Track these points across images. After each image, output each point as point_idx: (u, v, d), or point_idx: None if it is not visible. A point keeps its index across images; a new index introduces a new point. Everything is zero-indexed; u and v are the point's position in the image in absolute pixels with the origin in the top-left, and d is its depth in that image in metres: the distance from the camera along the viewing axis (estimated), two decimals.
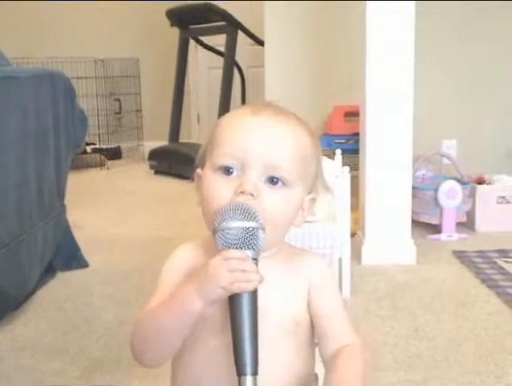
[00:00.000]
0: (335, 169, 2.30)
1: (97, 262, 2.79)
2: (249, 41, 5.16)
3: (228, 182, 0.84)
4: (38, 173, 2.40)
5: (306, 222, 1.82)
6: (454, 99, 3.59)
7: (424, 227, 3.20)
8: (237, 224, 0.81)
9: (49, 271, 2.61)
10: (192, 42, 5.48)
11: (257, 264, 0.81)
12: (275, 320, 0.86)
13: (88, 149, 5.59)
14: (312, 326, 0.90)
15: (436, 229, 3.18)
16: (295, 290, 0.89)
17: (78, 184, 4.05)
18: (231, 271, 0.79)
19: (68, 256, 2.74)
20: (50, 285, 2.54)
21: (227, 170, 0.85)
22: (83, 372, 1.81)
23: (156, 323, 0.84)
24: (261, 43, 4.32)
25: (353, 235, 2.60)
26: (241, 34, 4.99)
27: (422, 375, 1.78)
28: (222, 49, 5.09)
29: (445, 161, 3.47)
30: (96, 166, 5.52)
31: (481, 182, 3.33)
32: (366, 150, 2.80)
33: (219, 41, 5.19)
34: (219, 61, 5.15)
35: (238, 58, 5.15)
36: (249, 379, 0.78)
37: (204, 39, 5.45)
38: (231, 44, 4.94)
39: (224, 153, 0.85)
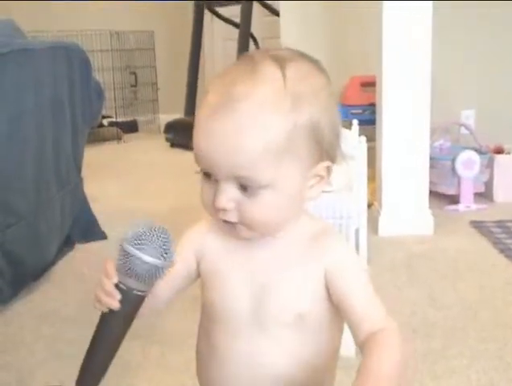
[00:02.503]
0: (352, 139, 2.29)
1: (115, 234, 2.80)
2: (265, 12, 5.12)
3: (209, 186, 0.80)
4: (55, 145, 2.41)
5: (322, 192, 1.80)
6: (473, 68, 3.54)
7: (442, 198, 3.18)
8: (123, 245, 0.77)
9: (68, 243, 2.64)
10: (207, 13, 5.44)
11: (136, 295, 0.78)
12: (274, 312, 0.82)
13: (105, 122, 5.59)
14: (331, 314, 0.83)
15: (454, 200, 3.16)
16: (304, 279, 0.82)
17: (95, 158, 4.06)
18: (99, 285, 0.78)
19: (86, 228, 2.76)
20: (69, 257, 2.57)
21: (206, 174, 0.80)
22: None
23: None
24: (276, 13, 4.28)
25: (369, 206, 2.59)
26: (256, 5, 4.94)
27: (439, 343, 1.79)
28: (238, 20, 5.05)
29: (463, 131, 3.43)
30: (112, 140, 5.53)
31: (499, 151, 3.29)
32: (383, 121, 2.78)
33: (234, 12, 5.15)
34: (234, 32, 5.12)
35: (254, 29, 5.10)
36: None
37: (220, 9, 5.41)
38: (246, 15, 4.89)
39: (197, 158, 0.80)
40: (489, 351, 1.73)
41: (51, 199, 2.38)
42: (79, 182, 2.77)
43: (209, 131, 0.76)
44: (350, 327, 0.81)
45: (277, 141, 0.76)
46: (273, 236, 0.83)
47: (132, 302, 0.79)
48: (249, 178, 0.76)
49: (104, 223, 2.82)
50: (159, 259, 0.76)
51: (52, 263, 2.43)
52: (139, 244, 0.76)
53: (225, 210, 0.78)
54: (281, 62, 0.79)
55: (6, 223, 2.04)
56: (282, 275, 0.82)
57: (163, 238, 0.77)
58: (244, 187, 0.77)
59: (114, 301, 0.77)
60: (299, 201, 0.82)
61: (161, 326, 1.91)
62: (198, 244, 0.88)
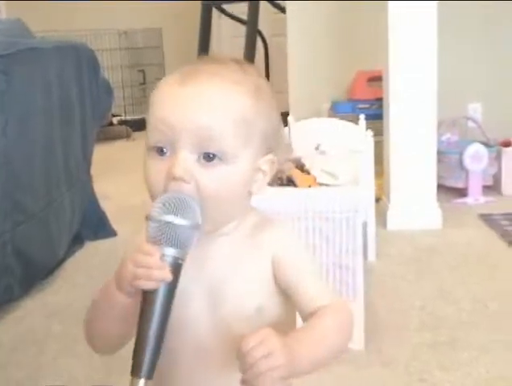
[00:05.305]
0: (359, 134, 2.29)
1: (124, 231, 2.81)
2: (272, 9, 5.11)
3: (161, 164, 0.77)
4: (64, 143, 2.42)
5: (329, 185, 1.81)
6: (479, 62, 3.53)
7: (450, 192, 3.17)
8: (158, 217, 0.74)
9: (77, 240, 2.65)
10: (214, 11, 5.44)
11: (178, 263, 0.75)
12: (233, 308, 0.80)
13: (115, 120, 5.62)
14: (286, 307, 0.83)
15: (462, 193, 3.15)
16: (256, 272, 0.81)
17: (105, 156, 4.08)
18: (136, 266, 0.74)
19: (96, 225, 2.77)
20: (78, 254, 2.58)
21: (160, 150, 0.77)
22: None
23: (93, 310, 0.84)
24: (283, 10, 4.27)
25: (377, 200, 2.60)
26: (263, 2, 4.94)
27: (448, 335, 1.79)
28: (245, 17, 5.05)
29: (471, 124, 3.42)
30: (122, 138, 5.54)
31: (507, 144, 3.28)
32: (390, 115, 2.77)
33: (242, 9, 5.15)
34: (242, 30, 5.11)
35: (261, 26, 5.10)
36: (141, 382, 0.74)
37: (227, 7, 5.41)
38: (254, 12, 4.88)
39: (152, 132, 0.78)
40: (498, 343, 1.73)
41: (60, 197, 2.40)
42: (88, 180, 2.79)
43: (180, 103, 0.76)
44: (300, 311, 0.81)
45: (244, 115, 0.77)
46: (219, 229, 0.81)
47: (177, 272, 0.76)
48: (213, 141, 0.75)
49: (113, 220, 2.83)
50: (193, 220, 0.75)
51: (62, 260, 2.45)
52: (173, 211, 0.74)
53: (182, 180, 0.75)
54: (241, 62, 0.83)
55: (16, 221, 2.06)
56: (233, 271, 0.81)
57: (187, 201, 0.76)
58: (204, 157, 0.76)
59: (166, 273, 0.73)
60: (247, 193, 0.81)
61: None
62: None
